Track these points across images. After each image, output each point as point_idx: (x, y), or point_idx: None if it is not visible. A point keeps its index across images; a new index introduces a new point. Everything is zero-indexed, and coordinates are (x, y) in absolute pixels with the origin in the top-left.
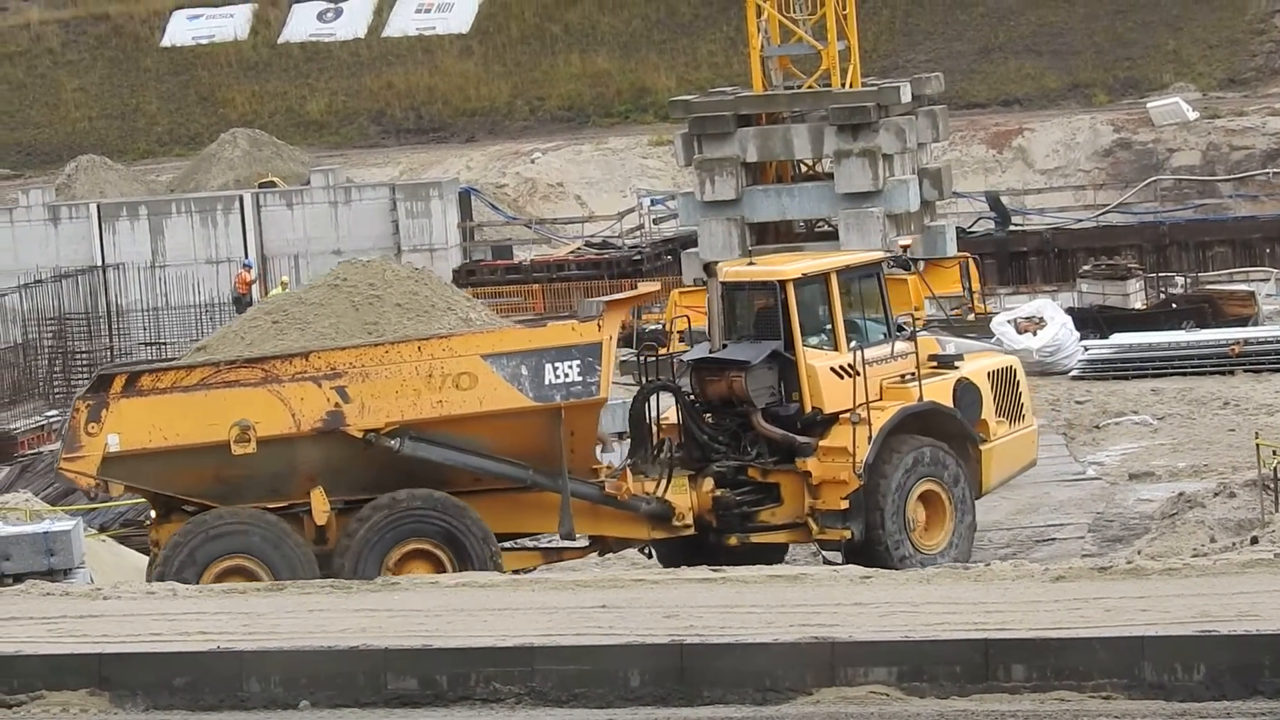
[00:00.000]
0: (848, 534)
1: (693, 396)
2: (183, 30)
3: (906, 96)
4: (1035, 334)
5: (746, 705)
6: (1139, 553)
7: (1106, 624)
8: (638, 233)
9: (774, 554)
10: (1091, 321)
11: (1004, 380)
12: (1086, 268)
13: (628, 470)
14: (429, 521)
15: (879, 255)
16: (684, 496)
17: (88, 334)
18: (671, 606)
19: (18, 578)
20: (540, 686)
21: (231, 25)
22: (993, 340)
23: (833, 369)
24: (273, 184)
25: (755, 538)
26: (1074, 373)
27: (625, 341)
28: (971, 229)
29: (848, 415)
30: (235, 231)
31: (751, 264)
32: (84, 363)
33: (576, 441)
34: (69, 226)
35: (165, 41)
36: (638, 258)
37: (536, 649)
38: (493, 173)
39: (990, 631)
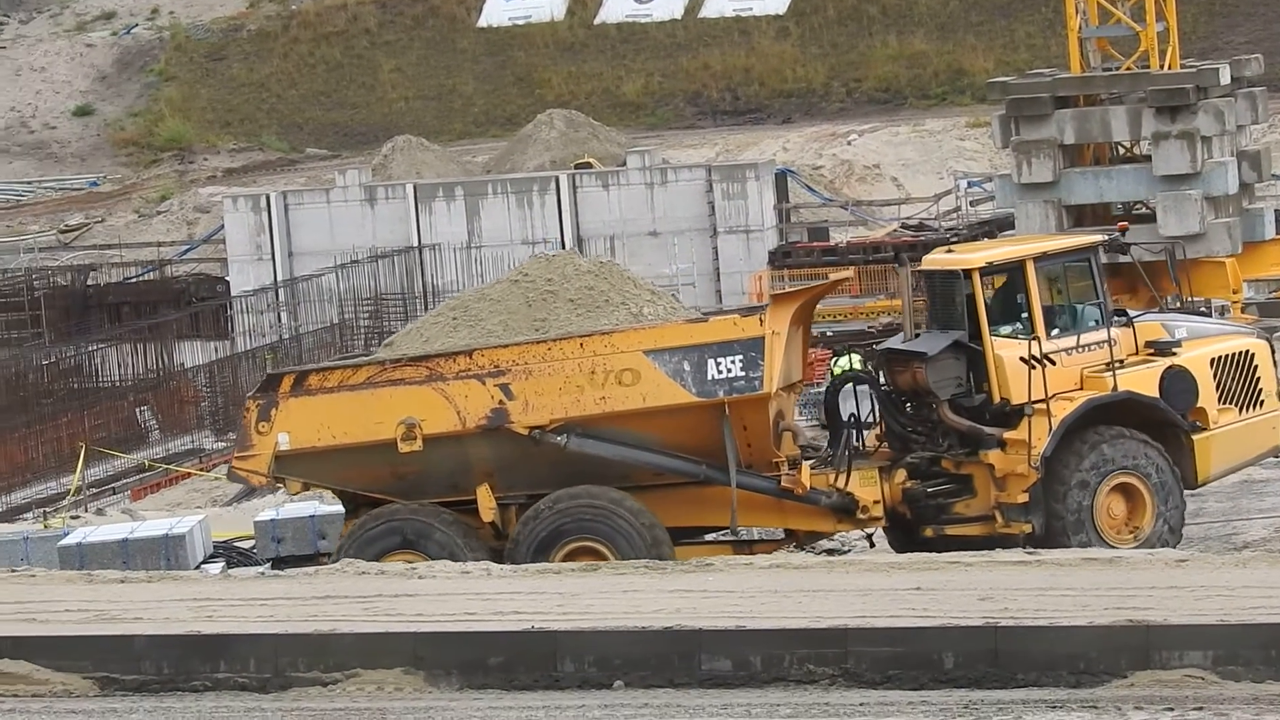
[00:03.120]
0: (1028, 527)
1: (888, 387)
2: (499, 11)
3: (1225, 78)
4: None
5: (1061, 688)
6: None
7: None
8: (954, 215)
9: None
10: None
11: (1235, 365)
12: None
13: (804, 464)
14: (593, 518)
15: (1087, 240)
16: (871, 488)
17: (403, 314)
18: (986, 589)
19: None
20: (854, 668)
21: (548, 6)
22: None
23: (1022, 358)
24: (589, 165)
25: (949, 530)
26: None
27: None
28: None
29: (1040, 406)
30: (551, 213)
31: (950, 251)
32: None
33: (751, 436)
34: (385, 207)
35: (482, 22)
36: (954, 240)
37: (851, 630)
38: (809, 154)
39: None
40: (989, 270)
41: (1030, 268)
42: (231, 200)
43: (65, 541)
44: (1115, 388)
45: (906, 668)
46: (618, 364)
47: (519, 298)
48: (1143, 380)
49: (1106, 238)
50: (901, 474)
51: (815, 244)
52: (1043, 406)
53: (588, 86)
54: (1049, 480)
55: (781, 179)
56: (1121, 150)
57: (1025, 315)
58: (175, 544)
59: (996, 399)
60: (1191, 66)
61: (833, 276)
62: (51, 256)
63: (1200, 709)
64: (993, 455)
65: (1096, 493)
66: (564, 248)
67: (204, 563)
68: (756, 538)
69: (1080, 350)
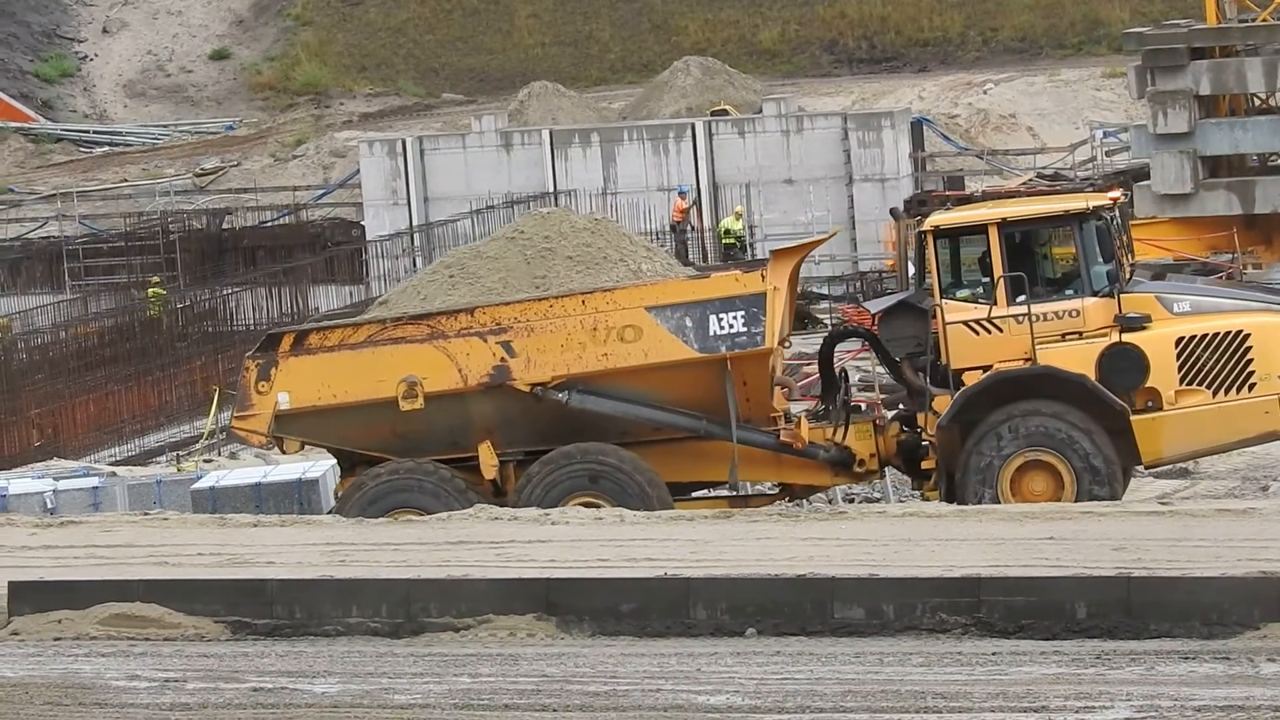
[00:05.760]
0: (935, 495)
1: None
2: None
3: None
4: None
5: (1193, 639)
6: None
7: None
8: (1090, 165)
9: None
10: None
11: (1219, 345)
12: None
13: (803, 418)
14: (595, 474)
15: (1062, 207)
16: (866, 441)
17: None
18: (1119, 539)
19: None
20: (986, 617)
21: None
22: None
23: (966, 323)
24: (725, 112)
25: (924, 485)
26: None
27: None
28: None
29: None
30: (687, 159)
31: (947, 210)
32: None
33: (751, 391)
34: (521, 153)
35: None
36: (1090, 190)
37: (983, 579)
38: (945, 103)
39: None
40: (940, 233)
41: (994, 233)
42: (367, 145)
43: (198, 485)
44: (1034, 361)
45: (1039, 617)
46: (620, 321)
47: (517, 255)
48: (1078, 356)
49: (1089, 206)
50: (895, 427)
51: (950, 193)
52: (975, 374)
53: (724, 33)
54: (949, 451)
55: (917, 128)
56: (1257, 101)
57: (987, 280)
58: (308, 488)
59: (944, 361)
60: None
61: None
62: (187, 200)
63: None
64: (920, 417)
65: (1003, 468)
66: (699, 195)
67: None
68: (749, 494)
69: (1042, 319)
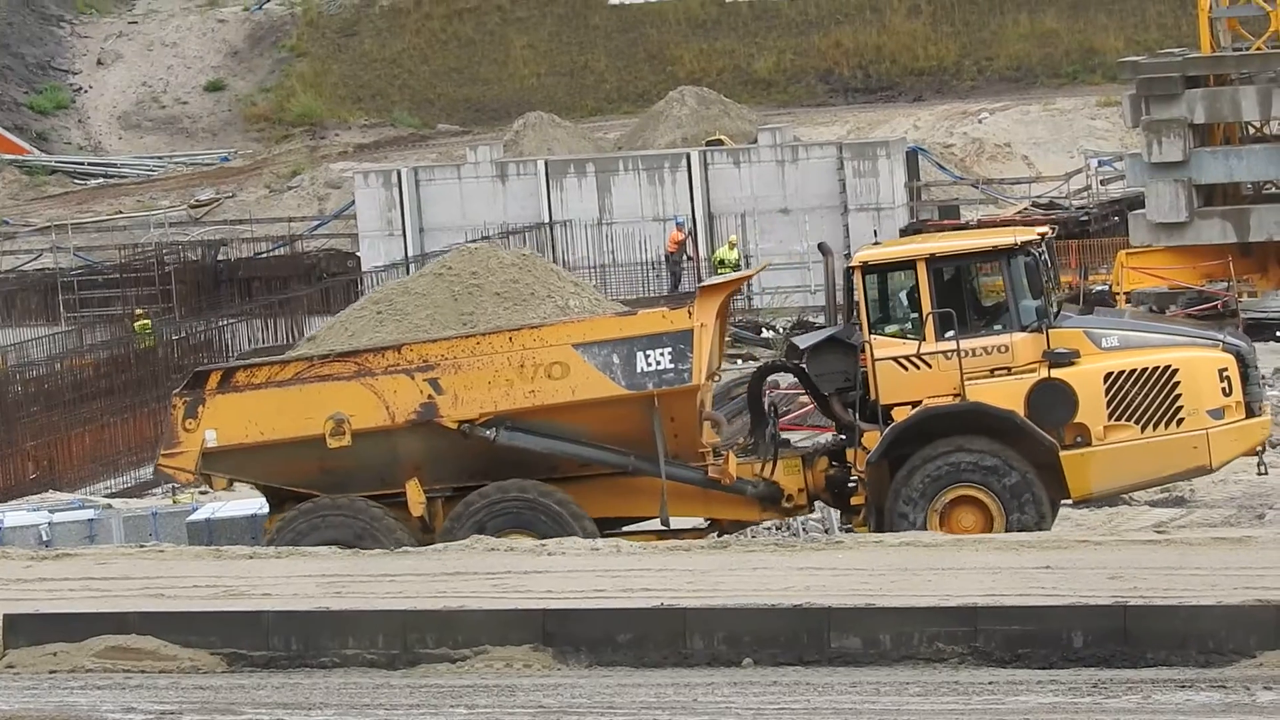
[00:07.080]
0: (865, 529)
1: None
2: None
3: None
4: None
5: (1190, 667)
6: None
7: None
8: (1085, 193)
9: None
10: None
11: (1147, 381)
12: None
13: (730, 454)
14: (524, 512)
15: (991, 242)
16: (795, 477)
17: None
18: (1115, 568)
19: None
20: (984, 646)
21: None
22: None
23: (896, 359)
24: (720, 142)
25: (854, 520)
26: None
27: (1073, 300)
28: None
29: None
30: (682, 189)
31: (876, 244)
32: None
33: (678, 427)
34: (517, 183)
35: None
36: (1085, 218)
37: (980, 609)
38: (940, 132)
39: None
40: (869, 268)
41: (922, 268)
42: (363, 176)
43: (194, 517)
44: (963, 397)
45: (1036, 646)
46: (547, 357)
47: (444, 291)
48: (1006, 391)
49: (1016, 241)
50: (824, 461)
51: (946, 222)
52: (904, 409)
53: (719, 63)
54: (878, 486)
55: (912, 157)
56: (1251, 130)
57: (916, 315)
58: None
59: (873, 397)
60: None
61: (743, 272)
62: (182, 231)
63: None
64: (850, 453)
65: (932, 503)
66: (694, 225)
67: None
68: (678, 528)
69: (971, 355)
